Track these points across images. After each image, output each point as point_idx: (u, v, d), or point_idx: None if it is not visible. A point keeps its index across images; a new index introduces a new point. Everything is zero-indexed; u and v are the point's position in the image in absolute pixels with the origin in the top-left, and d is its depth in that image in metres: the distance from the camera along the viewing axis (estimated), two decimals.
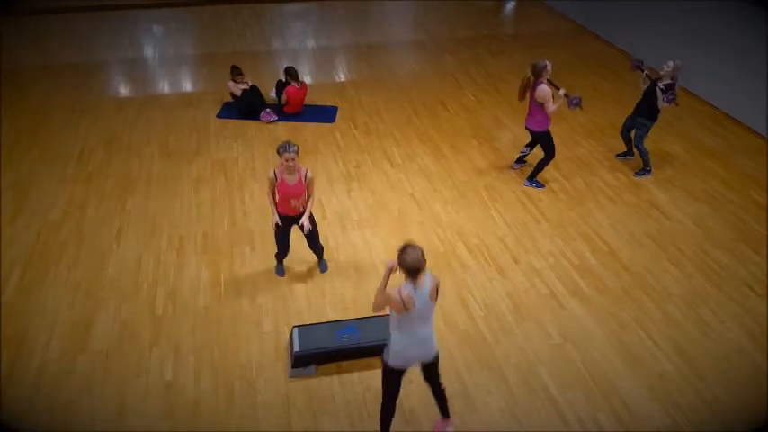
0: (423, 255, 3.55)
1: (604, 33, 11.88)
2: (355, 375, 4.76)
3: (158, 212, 6.60)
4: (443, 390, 4.22)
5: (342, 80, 10.10)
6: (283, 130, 8.32)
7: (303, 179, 5.13)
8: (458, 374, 4.81)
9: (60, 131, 8.13)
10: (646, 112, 7.11)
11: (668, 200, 7.02)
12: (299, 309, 5.40)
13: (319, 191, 6.91)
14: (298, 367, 4.73)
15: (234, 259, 5.96)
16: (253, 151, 7.79)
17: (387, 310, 3.79)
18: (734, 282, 5.83)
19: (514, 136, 8.24)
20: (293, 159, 4.95)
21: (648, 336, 5.21)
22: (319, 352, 4.71)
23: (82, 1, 13.04)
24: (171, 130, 8.28)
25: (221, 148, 7.85)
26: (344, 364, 4.84)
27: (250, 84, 8.67)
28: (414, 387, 4.68)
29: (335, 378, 4.74)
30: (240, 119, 8.53)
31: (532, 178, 7.19)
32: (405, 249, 3.56)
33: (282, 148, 4.93)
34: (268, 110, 8.47)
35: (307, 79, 10.09)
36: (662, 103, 6.92)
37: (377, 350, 4.84)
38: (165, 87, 9.74)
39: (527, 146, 7.41)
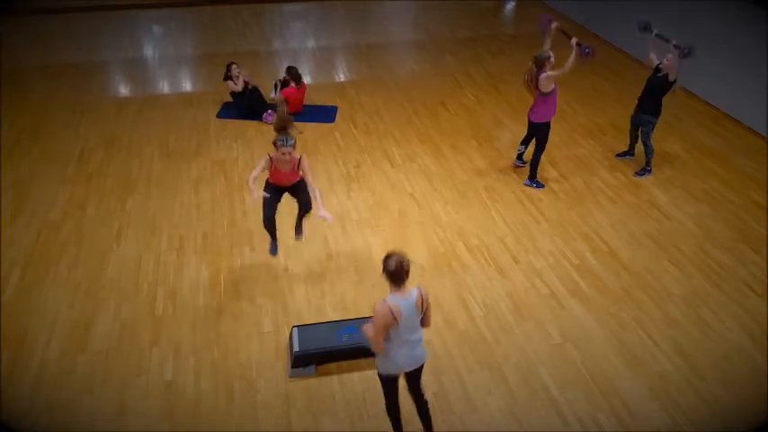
0: (405, 262, 3.53)
1: (604, 33, 11.87)
2: (355, 375, 4.76)
3: (158, 212, 6.60)
4: (426, 403, 4.12)
5: (342, 80, 10.10)
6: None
7: (296, 167, 5.21)
8: (458, 374, 4.81)
9: (60, 131, 8.13)
10: (649, 108, 7.10)
11: (668, 200, 7.02)
12: (299, 309, 5.40)
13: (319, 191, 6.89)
14: (297, 367, 4.73)
15: (234, 259, 5.96)
16: (253, 151, 7.79)
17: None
18: (734, 282, 5.83)
19: (514, 136, 8.23)
20: (290, 153, 5.00)
21: (648, 336, 5.21)
22: (319, 352, 4.71)
23: (82, 1, 13.05)
24: (171, 130, 8.28)
25: (221, 149, 7.85)
26: (344, 364, 4.83)
27: (250, 83, 8.63)
28: None
29: (335, 378, 4.75)
30: (240, 119, 8.53)
31: (532, 178, 7.19)
32: (389, 257, 3.56)
33: (280, 142, 4.96)
34: (270, 111, 8.46)
35: (307, 79, 10.08)
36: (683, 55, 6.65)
37: None
38: (165, 87, 9.74)
39: (522, 143, 7.39)
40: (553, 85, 6.68)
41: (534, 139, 7.10)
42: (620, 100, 9.28)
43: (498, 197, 7.02)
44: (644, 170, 7.44)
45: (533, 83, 6.72)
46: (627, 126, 7.65)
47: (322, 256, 5.99)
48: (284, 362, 4.86)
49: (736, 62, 8.88)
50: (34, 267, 5.78)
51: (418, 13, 13.51)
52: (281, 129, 5.08)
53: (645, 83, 7.17)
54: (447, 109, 9.04)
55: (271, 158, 5.14)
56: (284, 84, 8.58)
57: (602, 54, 11.10)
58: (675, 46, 6.75)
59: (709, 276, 5.89)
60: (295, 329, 4.86)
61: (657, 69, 7.01)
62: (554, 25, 7.05)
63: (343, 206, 6.79)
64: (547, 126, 6.90)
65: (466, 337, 5.16)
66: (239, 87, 8.49)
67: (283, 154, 4.98)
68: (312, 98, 9.10)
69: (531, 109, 6.95)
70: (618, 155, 7.83)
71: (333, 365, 4.83)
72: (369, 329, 3.66)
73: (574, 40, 6.70)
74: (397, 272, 3.53)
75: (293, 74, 8.50)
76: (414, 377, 3.98)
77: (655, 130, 7.25)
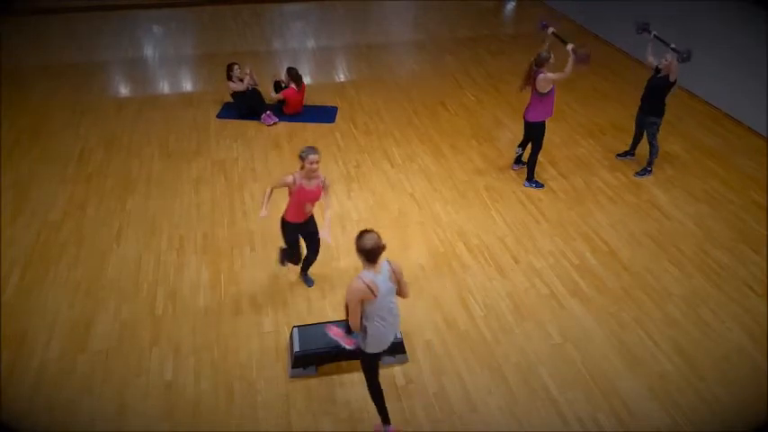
0: (380, 240, 3.68)
1: (604, 33, 11.87)
2: (355, 375, 4.76)
3: (158, 212, 6.60)
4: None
5: (342, 80, 10.10)
6: (283, 131, 8.32)
7: (322, 184, 5.01)
8: (458, 374, 4.81)
9: (60, 131, 8.13)
10: (651, 109, 7.10)
11: (668, 200, 7.02)
12: (299, 309, 5.40)
13: None
14: (298, 367, 4.73)
15: (234, 259, 5.96)
16: (252, 152, 7.79)
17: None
18: (734, 282, 5.83)
19: (514, 136, 8.23)
20: (317, 162, 4.80)
21: (648, 336, 5.21)
22: (319, 352, 4.71)
23: (82, 1, 13.05)
24: (171, 130, 8.28)
25: (221, 149, 7.85)
26: (344, 364, 4.83)
27: (251, 83, 8.64)
28: (414, 387, 4.69)
29: (335, 378, 4.74)
30: (240, 119, 8.53)
31: (530, 178, 7.19)
32: (362, 235, 3.67)
33: (307, 151, 4.78)
34: (269, 112, 8.45)
35: (307, 79, 10.09)
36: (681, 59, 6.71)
37: None
38: (165, 87, 9.74)
39: (519, 146, 7.39)
40: (551, 86, 6.67)
41: (530, 141, 7.10)
42: (620, 100, 9.29)
43: (498, 197, 7.02)
44: (644, 170, 7.44)
45: (533, 81, 6.72)
46: (627, 126, 7.67)
47: (322, 257, 5.98)
48: (284, 362, 4.86)
49: (736, 62, 8.88)
50: (34, 267, 5.78)
51: (418, 13, 13.51)
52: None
53: (645, 84, 7.17)
54: (447, 109, 9.04)
55: (294, 179, 4.89)
56: (282, 85, 8.60)
57: (602, 54, 11.12)
58: (674, 50, 6.76)
59: (710, 276, 5.89)
60: (295, 329, 4.86)
61: (657, 70, 7.01)
62: (549, 30, 7.04)
63: (344, 206, 6.79)
64: (542, 126, 6.90)
65: (466, 337, 5.16)
66: (242, 87, 8.49)
67: (311, 163, 4.77)
68: (312, 98, 9.10)
69: (526, 108, 6.96)
70: (618, 155, 7.83)
71: (333, 366, 4.83)
72: (335, 331, 4.00)
73: (570, 46, 6.69)
74: (372, 250, 3.65)
75: (293, 75, 8.50)
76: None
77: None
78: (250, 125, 8.41)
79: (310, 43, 11.60)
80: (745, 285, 5.79)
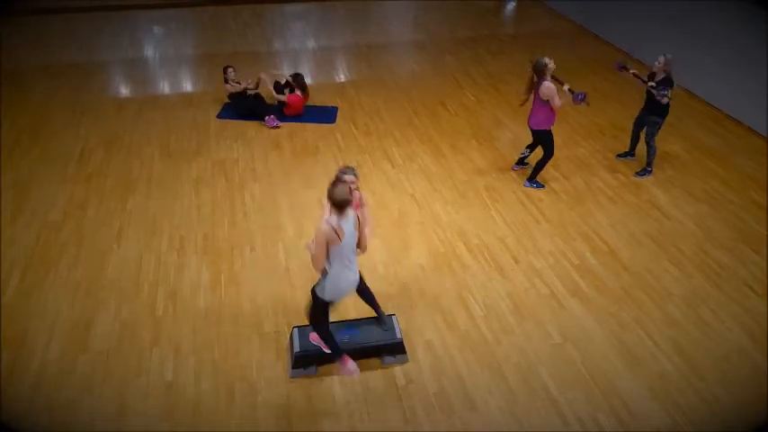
0: (349, 194, 3.90)
1: (604, 33, 11.88)
2: (355, 376, 4.76)
3: (159, 213, 6.60)
4: (370, 291, 4.75)
5: (342, 80, 10.10)
6: (284, 131, 8.32)
7: (358, 201, 4.35)
8: (458, 374, 4.81)
9: (61, 131, 8.13)
10: (655, 109, 7.10)
11: (668, 200, 7.02)
12: (300, 309, 5.39)
13: (319, 191, 6.90)
14: (298, 368, 4.73)
15: (234, 260, 5.96)
16: (253, 152, 7.79)
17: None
18: (734, 282, 5.83)
19: (514, 136, 8.24)
20: (354, 182, 4.33)
21: (648, 336, 5.21)
22: (320, 352, 4.71)
23: (82, 1, 13.05)
24: (171, 130, 8.29)
25: (221, 149, 7.85)
26: None
27: (250, 89, 8.67)
28: (414, 387, 4.69)
29: (336, 379, 4.75)
30: (240, 119, 8.54)
31: (532, 179, 7.19)
32: (335, 184, 3.90)
33: (345, 171, 4.34)
34: (272, 116, 8.40)
35: (307, 80, 10.09)
36: (662, 99, 6.90)
37: (377, 350, 4.85)
38: (165, 88, 9.74)
39: (527, 147, 7.40)
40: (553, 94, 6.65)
41: (540, 147, 7.11)
42: (620, 100, 9.29)
43: (498, 197, 7.02)
44: (644, 170, 7.44)
45: (535, 90, 6.69)
46: (627, 126, 7.67)
47: None
48: (285, 362, 4.87)
49: (736, 62, 8.89)
50: (34, 268, 5.78)
51: (418, 14, 13.51)
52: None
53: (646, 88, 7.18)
54: (447, 109, 9.04)
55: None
56: (289, 89, 8.60)
57: (602, 54, 11.14)
58: (652, 87, 6.97)
59: (710, 276, 5.90)
60: (295, 330, 4.87)
61: (652, 74, 7.03)
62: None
63: None
64: (548, 134, 6.91)
65: (466, 337, 5.16)
66: (239, 89, 8.53)
67: (350, 182, 4.29)
68: (312, 99, 9.10)
69: (531, 116, 6.93)
70: (618, 155, 7.84)
71: (333, 366, 4.82)
72: (311, 247, 3.99)
73: (566, 87, 6.74)
74: (341, 202, 3.88)
75: (300, 82, 8.48)
76: (361, 286, 4.57)
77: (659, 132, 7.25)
78: (250, 125, 8.42)
79: (311, 43, 11.60)
80: (745, 285, 5.79)
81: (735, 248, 6.27)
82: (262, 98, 8.68)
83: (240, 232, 6.34)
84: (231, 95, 8.66)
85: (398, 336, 4.86)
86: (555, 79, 6.71)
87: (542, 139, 7.02)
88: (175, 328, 5.17)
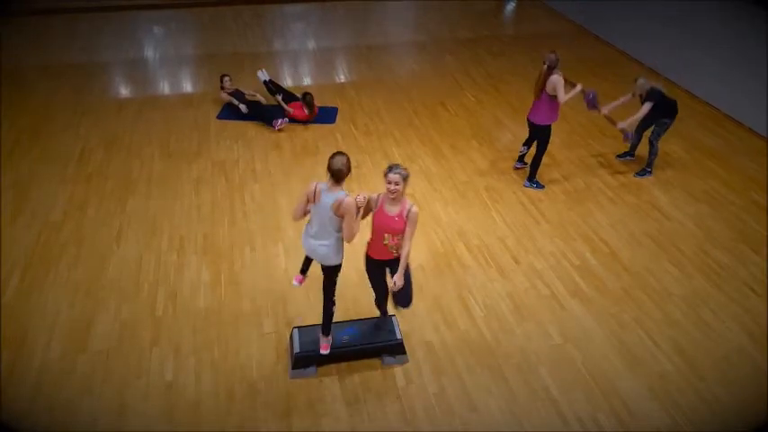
0: (347, 166, 4.05)
1: (604, 33, 11.89)
2: (356, 376, 4.77)
3: (159, 213, 6.60)
4: (326, 300, 4.58)
5: (342, 81, 10.11)
6: (284, 131, 8.32)
7: (405, 214, 4.18)
8: (458, 375, 4.81)
9: (61, 132, 8.13)
10: (664, 110, 7.10)
11: (668, 200, 7.02)
12: (300, 310, 5.40)
13: None
14: (298, 368, 4.73)
15: (234, 260, 5.96)
16: (253, 152, 7.79)
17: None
18: (734, 282, 5.83)
19: (514, 137, 8.24)
20: (397, 184, 4.05)
21: (649, 336, 5.21)
22: (319, 353, 4.71)
23: (82, 1, 13.05)
24: (171, 130, 8.29)
25: (221, 149, 7.85)
26: (344, 364, 4.84)
27: (248, 96, 8.71)
28: (414, 387, 4.69)
29: (336, 379, 4.75)
30: (240, 120, 8.54)
31: (532, 179, 7.19)
32: (334, 155, 4.07)
33: (389, 168, 4.12)
34: (280, 120, 8.34)
35: (307, 80, 10.12)
36: (625, 140, 7.25)
37: (377, 351, 4.85)
38: (165, 88, 9.74)
39: (524, 144, 7.39)
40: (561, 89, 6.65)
41: (536, 142, 7.10)
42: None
43: (499, 197, 7.02)
44: (644, 171, 7.44)
45: (541, 84, 6.69)
46: None
47: None
48: (285, 363, 4.87)
49: (736, 62, 8.89)
50: (34, 268, 5.78)
51: (418, 14, 13.51)
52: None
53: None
54: (447, 109, 9.05)
55: (378, 198, 4.20)
56: (294, 99, 8.63)
57: (602, 54, 11.14)
58: (623, 131, 7.20)
59: (710, 277, 5.90)
60: (295, 330, 4.87)
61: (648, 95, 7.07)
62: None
63: None
64: (549, 129, 6.90)
65: (466, 337, 5.16)
66: (234, 101, 8.58)
67: (389, 183, 4.07)
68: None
69: (533, 110, 6.93)
70: (618, 155, 7.84)
71: (333, 366, 4.83)
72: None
73: (579, 87, 6.82)
74: (336, 171, 4.05)
75: (308, 102, 8.47)
76: (323, 273, 4.54)
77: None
78: (250, 126, 8.42)
79: (311, 44, 11.61)
80: (745, 286, 5.79)
81: (735, 249, 6.27)
82: (261, 104, 8.68)
83: (240, 232, 6.34)
84: (229, 103, 8.70)
85: (398, 336, 4.86)
86: (567, 81, 6.73)
87: (540, 134, 6.98)
88: (175, 328, 5.17)
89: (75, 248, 6.04)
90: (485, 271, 5.91)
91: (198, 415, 4.45)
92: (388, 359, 4.86)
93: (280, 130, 8.29)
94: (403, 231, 4.21)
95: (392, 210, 4.20)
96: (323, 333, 4.65)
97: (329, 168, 4.08)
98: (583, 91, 6.73)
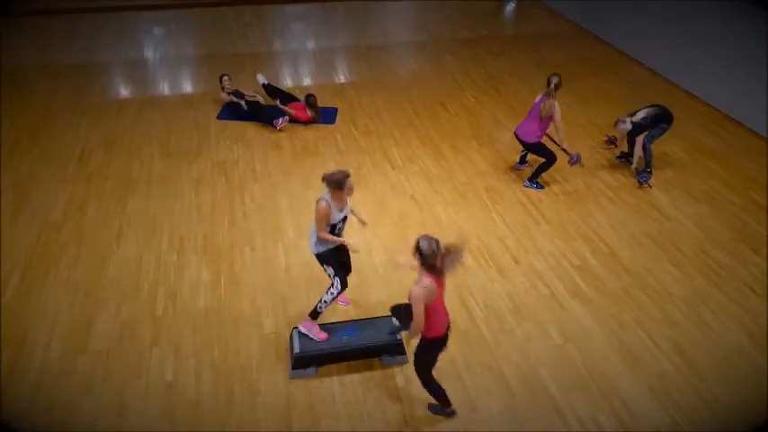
0: (345, 182, 4.38)
1: (604, 34, 11.89)
2: (356, 377, 4.77)
3: (159, 213, 6.60)
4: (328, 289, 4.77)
5: (342, 81, 10.11)
6: (284, 131, 8.32)
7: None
8: (458, 375, 4.81)
9: (61, 132, 8.13)
10: (663, 117, 7.13)
11: (668, 201, 7.02)
12: (300, 310, 5.40)
13: (319, 192, 6.88)
14: (298, 369, 4.73)
15: (234, 260, 5.96)
16: (253, 153, 7.79)
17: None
18: (734, 282, 5.83)
19: (514, 137, 8.23)
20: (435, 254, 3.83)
21: (648, 336, 5.21)
22: (319, 353, 4.72)
23: (82, 1, 13.05)
24: (171, 130, 8.29)
25: (221, 149, 7.86)
26: (344, 365, 4.84)
27: (247, 96, 8.71)
28: (414, 387, 4.68)
29: (336, 379, 4.75)
30: (240, 120, 8.54)
31: (532, 179, 7.19)
32: (334, 173, 4.41)
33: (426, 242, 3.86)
34: (281, 119, 8.34)
35: (307, 80, 10.12)
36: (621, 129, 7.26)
37: (377, 351, 4.85)
38: (165, 88, 9.74)
39: None
40: (551, 115, 6.68)
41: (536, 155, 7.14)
42: (620, 101, 9.27)
43: (499, 198, 7.03)
44: (644, 173, 7.42)
45: (538, 103, 6.70)
46: None
47: None
48: (285, 363, 4.87)
49: (736, 62, 8.89)
50: (35, 268, 5.79)
51: (418, 14, 13.51)
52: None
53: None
54: (447, 110, 9.05)
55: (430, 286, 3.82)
56: (294, 100, 8.64)
57: (602, 55, 11.14)
58: (565, 151, 7.21)
59: (710, 277, 5.90)
60: (295, 331, 4.87)
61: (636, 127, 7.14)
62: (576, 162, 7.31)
63: None
64: (540, 144, 6.93)
65: (466, 337, 5.16)
66: (234, 100, 8.59)
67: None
68: None
69: (525, 128, 6.92)
70: (618, 156, 7.83)
71: (333, 367, 4.83)
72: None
73: (564, 146, 7.01)
74: (338, 182, 4.37)
75: (311, 103, 8.46)
76: None
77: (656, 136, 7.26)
78: (250, 126, 8.42)
79: (311, 44, 11.61)
80: (745, 286, 5.79)
81: (735, 249, 6.27)
82: (260, 104, 8.68)
83: (240, 232, 6.34)
84: (229, 104, 8.71)
85: (398, 337, 4.86)
86: (551, 139, 6.99)
87: (534, 151, 7.02)
88: (175, 328, 5.17)
89: (75, 248, 6.04)
90: (485, 271, 5.91)
91: (198, 415, 4.45)
92: (387, 359, 4.86)
93: (280, 130, 8.29)
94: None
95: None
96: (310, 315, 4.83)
97: (328, 180, 4.39)
98: (566, 152, 7.02)
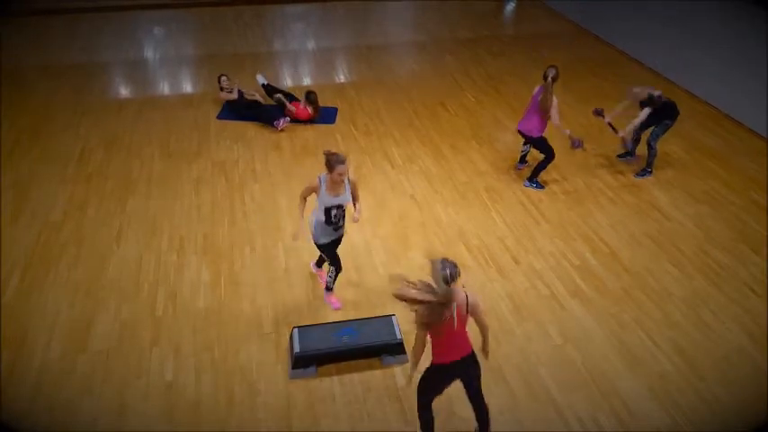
0: (342, 164, 4.58)
1: (604, 34, 11.89)
2: (355, 376, 4.77)
3: (159, 213, 6.60)
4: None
5: (342, 81, 10.11)
6: (284, 131, 8.32)
7: (465, 310, 3.68)
8: None
9: (61, 132, 8.14)
10: (665, 112, 7.12)
11: (668, 200, 7.02)
12: (299, 310, 5.40)
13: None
14: (298, 368, 4.73)
15: (234, 260, 5.96)
16: (253, 152, 7.79)
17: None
18: (734, 282, 5.83)
19: (514, 137, 8.22)
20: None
21: (648, 336, 5.21)
22: (319, 353, 4.72)
23: (82, 1, 13.06)
24: (171, 130, 8.29)
25: (221, 149, 7.86)
26: (344, 364, 4.84)
27: (246, 95, 8.70)
28: (414, 387, 4.68)
29: (336, 379, 4.75)
30: (240, 120, 8.54)
31: (532, 179, 7.20)
32: (333, 154, 4.63)
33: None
34: (282, 120, 8.34)
35: (307, 80, 10.12)
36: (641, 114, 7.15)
37: (377, 351, 4.85)
38: (165, 88, 9.75)
39: (525, 143, 7.41)
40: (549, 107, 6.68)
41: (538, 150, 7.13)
42: (620, 100, 9.23)
43: (499, 198, 7.02)
44: (644, 171, 7.44)
45: (536, 95, 6.71)
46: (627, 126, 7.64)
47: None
48: (285, 363, 4.87)
49: (736, 62, 8.89)
50: (34, 268, 5.79)
51: (418, 14, 13.51)
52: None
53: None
54: (447, 110, 9.05)
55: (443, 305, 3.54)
56: (295, 99, 8.63)
57: (602, 55, 11.14)
58: (623, 140, 7.42)
59: (710, 277, 5.90)
60: (295, 330, 4.87)
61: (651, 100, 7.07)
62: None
63: None
64: (542, 139, 6.92)
65: None
66: (234, 96, 8.57)
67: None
68: None
69: (526, 120, 6.93)
70: (619, 156, 7.84)
71: (333, 366, 4.83)
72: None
73: (567, 132, 6.99)
74: (328, 162, 4.63)
75: (312, 100, 8.46)
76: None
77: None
78: (250, 126, 8.42)
79: (311, 44, 11.61)
80: (745, 286, 5.79)
81: (735, 249, 6.27)
82: (260, 104, 8.68)
83: (240, 232, 6.34)
84: (228, 102, 8.71)
85: (398, 336, 4.86)
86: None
87: (536, 145, 7.03)
88: (175, 328, 5.17)
89: (75, 248, 6.04)
90: (485, 271, 5.91)
91: (198, 415, 4.45)
92: (387, 359, 4.86)
93: (281, 130, 8.29)
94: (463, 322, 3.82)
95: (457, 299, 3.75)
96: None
97: (325, 158, 4.67)
98: (570, 137, 6.97)
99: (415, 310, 3.54)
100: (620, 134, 7.31)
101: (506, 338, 5.16)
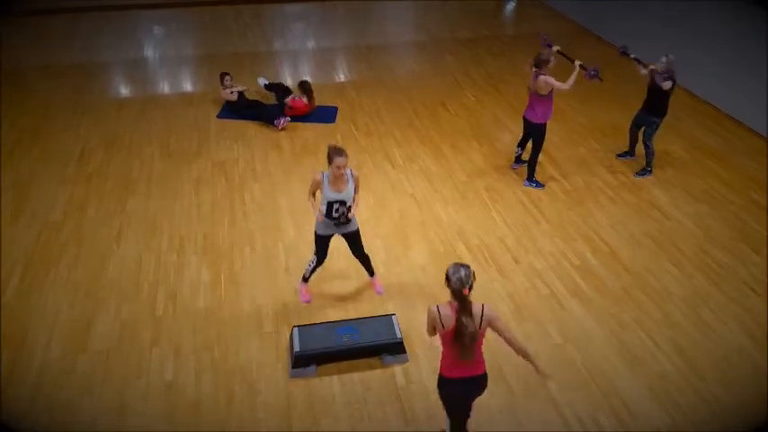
0: (343, 158, 4.63)
1: (604, 33, 11.88)
2: (356, 376, 4.77)
3: (159, 213, 6.60)
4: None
5: (342, 81, 10.11)
6: (284, 131, 8.32)
7: (481, 319, 3.63)
8: None
9: (61, 132, 8.14)
10: (654, 108, 7.12)
11: (668, 200, 7.02)
12: (299, 309, 5.40)
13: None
14: (298, 368, 4.73)
15: (234, 260, 5.96)
16: (253, 152, 7.79)
17: None
18: (734, 282, 5.83)
19: (514, 136, 8.22)
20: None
21: (649, 336, 5.21)
22: (319, 352, 4.72)
23: (82, 1, 13.06)
24: (171, 130, 8.29)
25: (222, 149, 7.86)
26: (344, 364, 4.84)
27: (246, 95, 8.71)
28: (414, 387, 4.69)
29: (336, 378, 4.75)
30: (240, 119, 8.54)
31: (531, 178, 7.19)
32: (335, 148, 4.69)
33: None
34: (282, 119, 8.33)
35: (307, 80, 10.10)
36: (663, 84, 6.96)
37: (377, 350, 4.85)
38: (165, 88, 9.75)
39: (518, 145, 7.41)
40: (550, 89, 6.65)
41: (531, 141, 7.11)
42: (620, 100, 9.28)
43: (499, 197, 7.02)
44: (644, 170, 7.44)
45: (532, 82, 6.73)
46: (627, 126, 7.65)
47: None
48: (285, 362, 4.87)
49: (736, 62, 8.88)
50: (35, 268, 5.79)
51: (418, 14, 13.51)
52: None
53: (647, 86, 7.18)
54: (447, 109, 9.05)
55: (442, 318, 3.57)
56: (290, 93, 8.63)
57: (602, 54, 11.12)
58: (652, 70, 7.08)
59: (710, 276, 5.89)
60: (295, 329, 4.87)
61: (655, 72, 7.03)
62: (554, 49, 7.10)
63: None
64: (542, 127, 6.90)
65: None
66: (234, 98, 8.57)
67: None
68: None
69: (528, 108, 6.95)
70: (618, 155, 7.84)
71: (333, 366, 4.83)
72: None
73: (577, 63, 6.78)
74: (328, 154, 4.71)
75: (306, 89, 8.47)
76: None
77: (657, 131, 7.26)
78: (250, 125, 8.42)
79: (311, 44, 11.61)
80: (745, 285, 5.79)
81: (735, 248, 6.27)
82: (261, 103, 8.68)
83: (240, 232, 6.34)
84: (229, 102, 8.70)
85: (398, 336, 4.86)
86: (563, 55, 6.74)
87: (535, 133, 6.99)
88: (175, 328, 5.17)
89: (75, 248, 6.05)
90: (485, 271, 5.91)
91: (198, 415, 4.45)
92: (388, 359, 4.86)
93: (282, 129, 8.29)
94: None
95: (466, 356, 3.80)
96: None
97: (328, 151, 4.74)
98: (583, 67, 6.76)
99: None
100: (651, 67, 7.09)
101: None
